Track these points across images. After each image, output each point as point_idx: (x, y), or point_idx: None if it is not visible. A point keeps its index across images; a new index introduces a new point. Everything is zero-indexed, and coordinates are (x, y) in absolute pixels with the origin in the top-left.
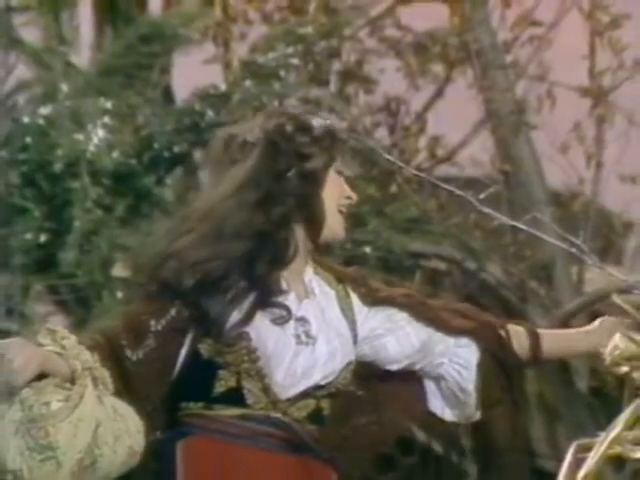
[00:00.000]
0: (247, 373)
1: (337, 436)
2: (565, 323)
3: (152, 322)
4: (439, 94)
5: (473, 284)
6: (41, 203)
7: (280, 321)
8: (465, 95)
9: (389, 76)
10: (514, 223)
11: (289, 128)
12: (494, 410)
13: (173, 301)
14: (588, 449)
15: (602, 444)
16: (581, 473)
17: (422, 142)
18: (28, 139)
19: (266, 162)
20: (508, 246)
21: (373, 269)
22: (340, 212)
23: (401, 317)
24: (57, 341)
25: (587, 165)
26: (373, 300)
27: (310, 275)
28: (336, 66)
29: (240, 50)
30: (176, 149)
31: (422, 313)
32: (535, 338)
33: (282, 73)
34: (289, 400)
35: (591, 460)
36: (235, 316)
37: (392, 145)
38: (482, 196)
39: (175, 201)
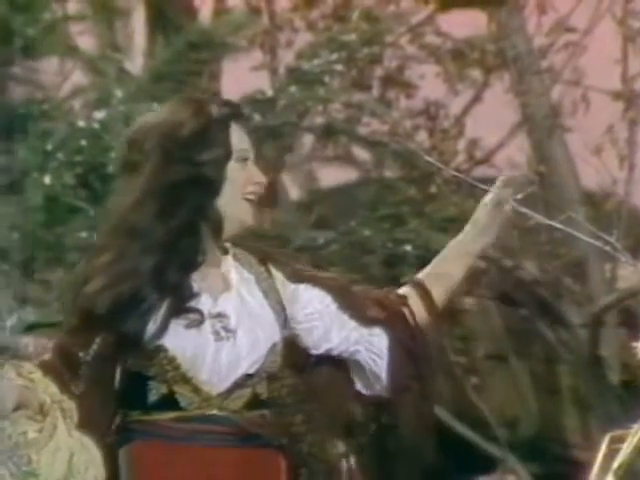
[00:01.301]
0: (174, 380)
1: (285, 422)
2: (599, 319)
3: (81, 354)
4: (477, 98)
5: (509, 281)
6: (95, 203)
7: (194, 324)
8: (502, 99)
9: (429, 81)
10: (549, 222)
11: (183, 133)
12: (401, 396)
13: (96, 329)
14: (621, 440)
15: (635, 435)
16: (615, 464)
17: (461, 144)
18: (83, 142)
19: (160, 172)
20: (543, 244)
21: (412, 267)
22: (247, 200)
23: (326, 300)
24: (24, 375)
25: (620, 166)
26: (299, 278)
27: (229, 264)
28: (378, 72)
29: (286, 57)
30: None
31: (344, 299)
32: (426, 299)
33: (326, 79)
34: (221, 395)
35: (625, 451)
36: (150, 330)
37: (432, 147)
38: (519, 196)
39: None
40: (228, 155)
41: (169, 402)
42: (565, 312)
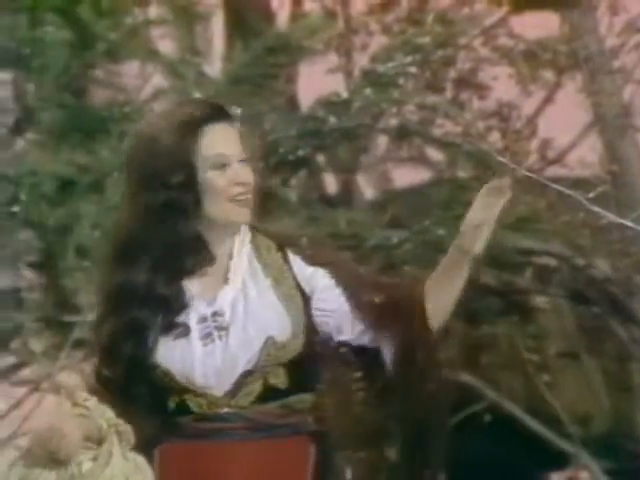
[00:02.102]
0: (177, 389)
1: (314, 406)
2: None
3: (106, 372)
4: (549, 99)
5: (581, 279)
6: None
7: (181, 335)
8: (574, 100)
9: (502, 83)
10: (621, 221)
11: (154, 154)
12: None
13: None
14: None
15: None
16: None
17: (533, 145)
18: None
19: (135, 196)
20: (615, 243)
21: (486, 265)
22: (235, 201)
23: (340, 299)
24: (80, 404)
25: None
26: (317, 261)
27: (242, 252)
28: (451, 74)
29: (361, 60)
30: (300, 153)
31: (357, 296)
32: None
33: (400, 81)
34: (228, 394)
35: None
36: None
37: (504, 148)
38: (591, 195)
39: (298, 202)
40: (190, 178)
41: (184, 407)
42: (637, 310)
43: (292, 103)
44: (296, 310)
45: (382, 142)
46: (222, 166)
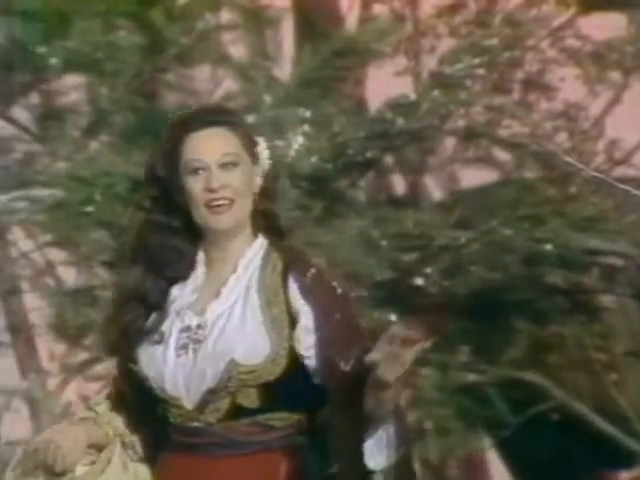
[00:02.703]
0: (158, 397)
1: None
2: None
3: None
4: (616, 99)
5: None
6: None
7: (157, 342)
8: None
9: (569, 84)
10: None
11: (150, 159)
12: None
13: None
14: None
15: None
16: None
17: (600, 145)
18: None
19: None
20: None
21: (553, 266)
22: (209, 207)
23: (320, 343)
24: (91, 408)
25: None
26: (310, 294)
27: (248, 265)
28: (519, 75)
29: (429, 62)
30: (368, 154)
31: (338, 345)
32: None
33: (468, 82)
34: (196, 408)
35: None
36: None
37: (571, 148)
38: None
39: (367, 202)
40: (176, 184)
41: (166, 417)
42: None
43: (360, 105)
44: (280, 335)
45: (449, 143)
46: (195, 171)
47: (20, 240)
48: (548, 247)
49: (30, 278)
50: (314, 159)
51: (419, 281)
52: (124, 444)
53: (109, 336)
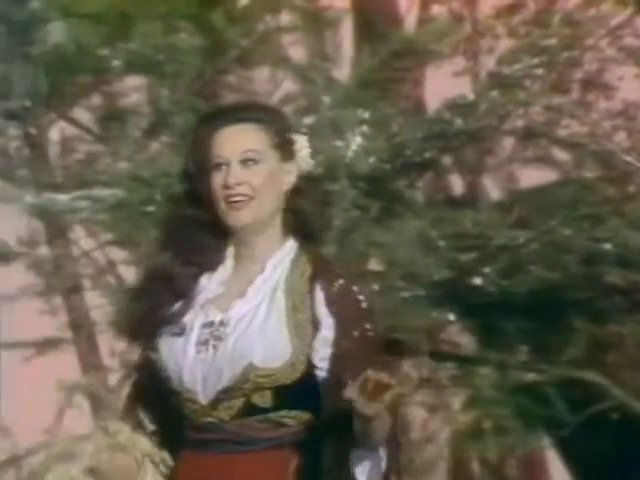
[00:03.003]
0: (175, 389)
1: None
2: None
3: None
4: None
5: None
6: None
7: (178, 334)
8: None
9: (627, 83)
10: None
11: (186, 153)
12: None
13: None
14: None
15: None
16: None
17: None
18: None
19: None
20: None
21: (612, 265)
22: (227, 203)
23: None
24: (113, 436)
25: None
26: (335, 309)
27: (276, 267)
28: (577, 74)
29: (488, 62)
30: (426, 155)
31: (351, 361)
32: None
33: (526, 83)
34: (210, 404)
35: None
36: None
37: (630, 148)
38: None
39: (425, 203)
40: (204, 178)
41: (182, 411)
42: None
43: (419, 106)
44: (302, 341)
45: (508, 143)
46: (218, 166)
47: (82, 239)
48: (607, 246)
49: (91, 276)
50: (372, 159)
51: (477, 281)
52: (154, 463)
53: (131, 320)
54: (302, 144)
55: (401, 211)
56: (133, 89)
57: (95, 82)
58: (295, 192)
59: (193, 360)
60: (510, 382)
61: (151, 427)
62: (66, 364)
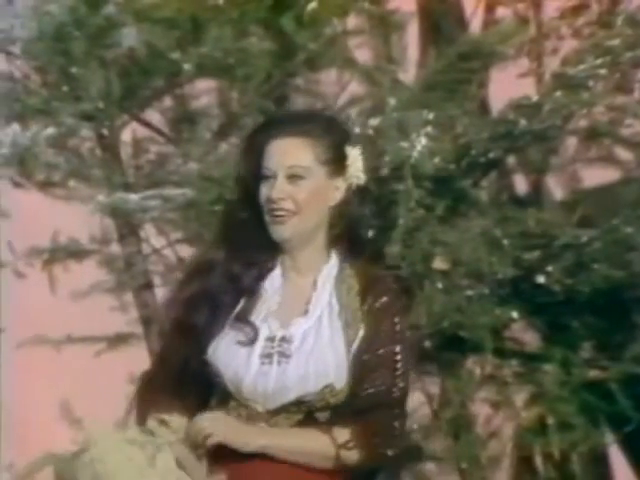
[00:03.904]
0: (224, 391)
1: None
2: None
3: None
4: None
5: None
6: (369, 203)
7: (246, 342)
8: None
9: None
10: None
11: (238, 159)
12: None
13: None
14: None
15: None
16: None
17: None
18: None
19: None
20: None
21: None
22: (270, 216)
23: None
24: (176, 431)
25: None
26: (371, 318)
27: (325, 283)
28: None
29: (552, 63)
30: (491, 155)
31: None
32: None
33: (590, 83)
34: (269, 412)
35: None
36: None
37: None
38: None
39: (489, 202)
40: (253, 174)
41: (225, 411)
42: None
43: (484, 107)
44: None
45: (572, 143)
46: (267, 178)
47: (152, 237)
48: None
49: (161, 273)
50: (437, 160)
51: (541, 279)
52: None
53: (185, 306)
54: (355, 158)
55: (466, 210)
56: (204, 92)
57: (167, 85)
58: (343, 206)
59: (256, 373)
60: (574, 379)
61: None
62: (136, 358)
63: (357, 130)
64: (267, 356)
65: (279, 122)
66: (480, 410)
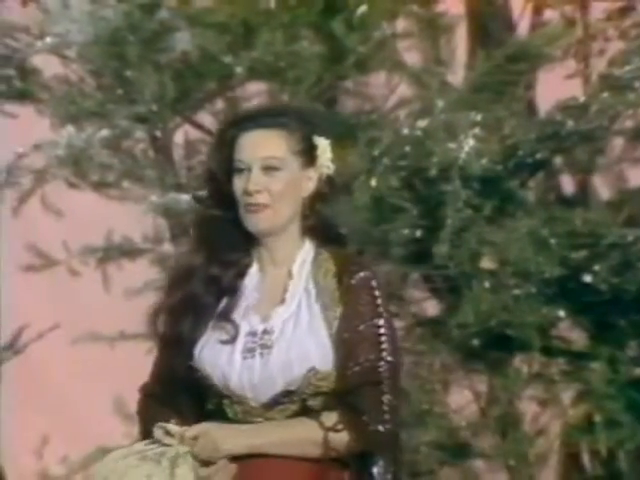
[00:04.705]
0: (216, 391)
1: None
2: None
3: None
4: None
5: None
6: (417, 203)
7: (228, 341)
8: None
9: None
10: None
11: (207, 154)
12: None
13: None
14: None
15: None
16: None
17: None
18: (407, 148)
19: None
20: None
21: None
22: (245, 207)
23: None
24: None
25: None
26: (348, 300)
27: (301, 271)
28: None
29: (599, 65)
30: (538, 156)
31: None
32: None
33: (636, 84)
34: (263, 406)
35: None
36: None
37: None
38: None
39: (536, 202)
40: (226, 166)
41: (221, 412)
42: None
43: (531, 108)
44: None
45: (618, 143)
46: (240, 170)
47: None
48: None
49: None
50: (485, 161)
51: (588, 278)
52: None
53: (169, 315)
54: (324, 148)
55: (513, 210)
56: (255, 94)
57: (219, 88)
58: (316, 197)
59: (240, 367)
60: (621, 377)
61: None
62: None
63: (405, 131)
64: (249, 350)
65: (250, 116)
66: (527, 408)
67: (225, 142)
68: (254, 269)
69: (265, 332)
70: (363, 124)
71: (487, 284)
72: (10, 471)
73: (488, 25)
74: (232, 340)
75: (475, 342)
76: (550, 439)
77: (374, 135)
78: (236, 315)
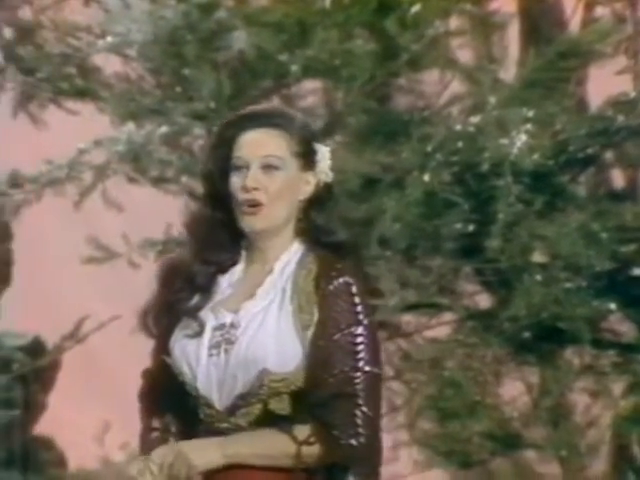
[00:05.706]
0: (189, 391)
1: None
2: None
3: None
4: None
5: None
6: (469, 198)
7: (194, 335)
8: None
9: None
10: None
11: (205, 154)
12: None
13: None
14: None
15: None
16: None
17: None
18: (459, 144)
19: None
20: None
21: None
22: (241, 206)
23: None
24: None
25: None
26: (324, 306)
27: (284, 268)
28: None
29: None
30: (589, 151)
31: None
32: None
33: None
34: (226, 410)
35: None
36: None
37: None
38: None
39: (587, 197)
40: (224, 180)
41: (197, 413)
42: None
43: (582, 104)
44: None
45: None
46: (238, 168)
47: None
48: None
49: None
50: (536, 156)
51: (638, 271)
52: None
53: (151, 314)
54: (324, 155)
55: (564, 205)
56: (310, 92)
57: (274, 85)
58: (313, 202)
59: (206, 364)
60: None
61: (174, 429)
62: None
63: (458, 127)
64: (215, 346)
65: (250, 116)
66: (578, 399)
67: (224, 141)
68: (238, 268)
69: (232, 326)
70: (416, 121)
71: (538, 277)
72: (71, 457)
73: (539, 22)
74: (196, 335)
75: (526, 335)
76: (601, 430)
77: (427, 131)
78: (204, 311)
